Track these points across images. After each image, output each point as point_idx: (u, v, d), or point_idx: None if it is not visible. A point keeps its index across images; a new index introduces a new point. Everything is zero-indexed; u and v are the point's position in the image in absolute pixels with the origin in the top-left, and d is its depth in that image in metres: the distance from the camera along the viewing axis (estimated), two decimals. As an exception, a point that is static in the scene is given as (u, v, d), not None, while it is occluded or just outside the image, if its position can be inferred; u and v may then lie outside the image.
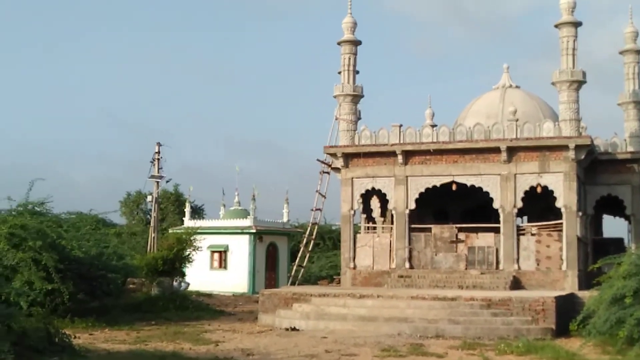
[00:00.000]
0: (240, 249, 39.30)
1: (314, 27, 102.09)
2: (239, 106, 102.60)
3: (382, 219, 30.35)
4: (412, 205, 26.65)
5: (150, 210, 40.43)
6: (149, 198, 39.26)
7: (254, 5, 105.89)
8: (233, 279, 38.85)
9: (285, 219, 42.85)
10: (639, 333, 14.58)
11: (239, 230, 39.44)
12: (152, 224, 37.44)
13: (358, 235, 28.33)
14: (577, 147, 24.85)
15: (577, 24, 25.54)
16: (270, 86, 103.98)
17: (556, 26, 25.66)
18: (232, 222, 40.28)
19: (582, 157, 25.14)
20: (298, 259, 31.04)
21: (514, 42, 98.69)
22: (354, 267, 27.36)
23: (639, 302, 15.22)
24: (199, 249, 31.61)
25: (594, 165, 27.47)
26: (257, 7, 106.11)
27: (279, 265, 40.79)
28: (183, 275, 32.00)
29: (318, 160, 29.78)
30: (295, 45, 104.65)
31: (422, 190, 26.60)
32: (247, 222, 39.64)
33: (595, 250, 27.52)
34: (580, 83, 25.32)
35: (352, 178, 27.46)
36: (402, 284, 25.53)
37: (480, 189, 26.06)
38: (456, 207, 29.83)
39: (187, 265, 31.67)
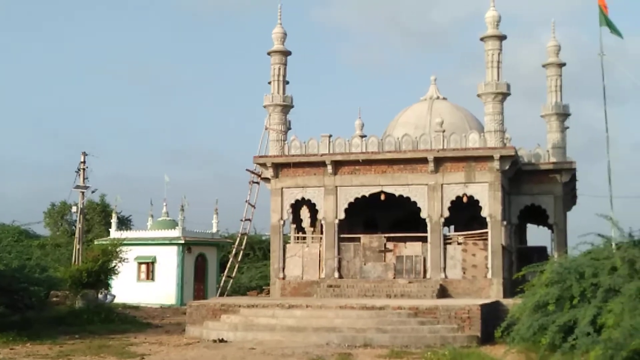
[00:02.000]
0: (168, 260, 38.80)
1: (247, 36, 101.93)
2: (168, 116, 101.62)
3: (312, 229, 30.39)
4: (342, 215, 26.77)
5: (75, 221, 39.52)
6: (74, 209, 38.29)
7: (184, 13, 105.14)
8: (161, 290, 38.31)
9: (214, 230, 42.52)
10: (561, 339, 14.86)
11: (167, 241, 38.96)
12: (77, 235, 36.57)
13: (288, 246, 28.29)
14: (502, 158, 25.37)
15: (501, 38, 26.11)
16: (200, 96, 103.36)
17: (482, 39, 26.20)
18: (160, 233, 39.75)
19: (507, 167, 25.69)
20: (227, 269, 30.75)
21: (443, 54, 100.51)
22: (284, 278, 27.30)
23: (561, 309, 15.53)
24: (125, 260, 31.12)
25: (518, 175, 28.06)
26: (188, 15, 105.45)
27: (208, 276, 40.40)
28: (108, 287, 31.47)
29: (248, 170, 29.60)
30: (226, 54, 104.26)
31: (352, 200, 26.76)
32: (175, 232, 39.19)
33: (520, 259, 28.06)
34: (504, 95, 25.88)
35: (282, 188, 27.43)
36: (331, 294, 25.57)
37: (408, 198, 26.34)
38: (385, 217, 30.06)
39: (113, 277, 31.15)
